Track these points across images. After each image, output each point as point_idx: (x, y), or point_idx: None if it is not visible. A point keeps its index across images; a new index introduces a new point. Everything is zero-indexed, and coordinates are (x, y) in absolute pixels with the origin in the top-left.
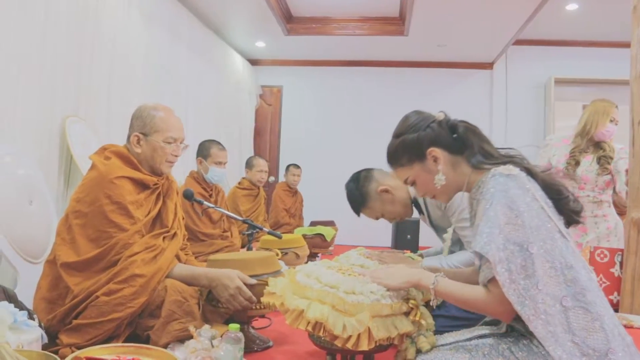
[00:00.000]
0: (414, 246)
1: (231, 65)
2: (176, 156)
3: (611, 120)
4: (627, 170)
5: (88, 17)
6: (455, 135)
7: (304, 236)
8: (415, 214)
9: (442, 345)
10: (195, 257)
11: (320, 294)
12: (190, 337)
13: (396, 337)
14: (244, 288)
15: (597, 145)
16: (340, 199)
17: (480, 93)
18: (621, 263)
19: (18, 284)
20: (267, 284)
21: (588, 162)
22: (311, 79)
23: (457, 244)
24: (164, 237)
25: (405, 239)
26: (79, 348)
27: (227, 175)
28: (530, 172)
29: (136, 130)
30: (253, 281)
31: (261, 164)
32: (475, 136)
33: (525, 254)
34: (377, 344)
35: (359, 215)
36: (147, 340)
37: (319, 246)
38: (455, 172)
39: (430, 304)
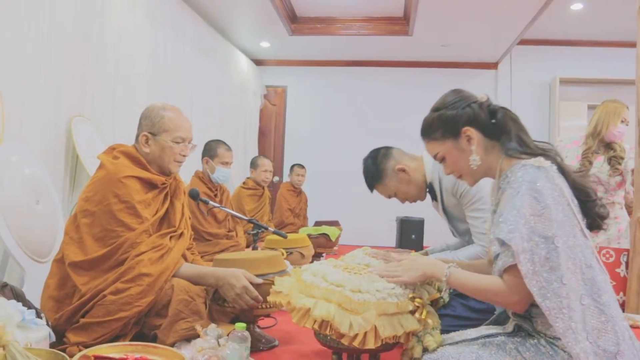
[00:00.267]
0: (418, 246)
1: (236, 65)
2: (184, 156)
3: (622, 121)
4: (632, 170)
5: (93, 17)
6: (493, 121)
7: (309, 236)
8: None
9: (449, 344)
10: (201, 257)
11: (326, 292)
12: (197, 336)
13: (402, 336)
14: (251, 287)
15: (608, 145)
16: (344, 199)
17: (484, 92)
18: (627, 263)
19: (25, 282)
20: (273, 283)
21: (600, 163)
22: (316, 79)
23: (467, 234)
24: (170, 237)
25: (409, 238)
26: (86, 347)
27: (232, 175)
28: (561, 168)
29: (145, 130)
30: (259, 280)
31: (266, 164)
32: (514, 124)
33: (551, 246)
34: (384, 342)
35: (372, 191)
36: (154, 339)
37: (323, 246)
38: (486, 156)
39: (441, 294)
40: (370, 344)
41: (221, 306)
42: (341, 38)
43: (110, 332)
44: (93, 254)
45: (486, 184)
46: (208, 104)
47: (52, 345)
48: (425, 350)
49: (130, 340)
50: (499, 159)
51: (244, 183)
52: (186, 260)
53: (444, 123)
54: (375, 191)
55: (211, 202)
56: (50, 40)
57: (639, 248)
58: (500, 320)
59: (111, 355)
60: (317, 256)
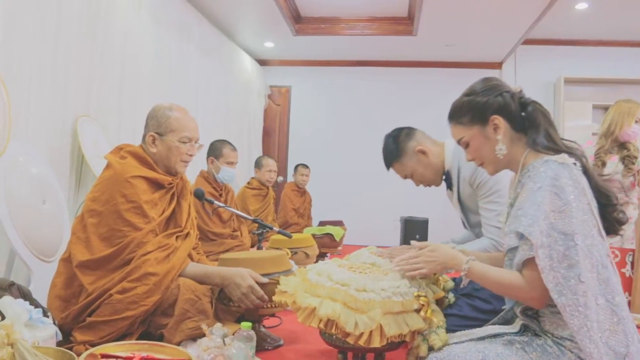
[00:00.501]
0: None
1: (240, 65)
2: (191, 155)
3: (636, 121)
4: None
5: (99, 18)
6: (523, 114)
7: (313, 236)
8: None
9: (455, 343)
10: (206, 257)
11: (331, 291)
12: (203, 335)
13: (407, 334)
14: (256, 287)
15: (622, 145)
16: (348, 198)
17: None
18: (632, 263)
19: (32, 282)
20: (278, 283)
21: (614, 164)
22: (320, 79)
23: (478, 227)
24: (177, 237)
25: (413, 238)
26: (92, 345)
27: (237, 175)
28: (586, 169)
29: (151, 130)
30: (265, 280)
31: (270, 163)
32: (544, 119)
33: (570, 243)
34: (389, 341)
35: (388, 169)
36: (160, 339)
37: (327, 246)
38: (511, 147)
39: (446, 294)
40: (376, 343)
41: (227, 305)
42: (345, 38)
43: (116, 331)
44: (99, 253)
45: (505, 177)
46: (212, 104)
47: (58, 344)
48: (431, 349)
49: (137, 339)
50: (523, 152)
51: (248, 183)
52: (192, 259)
53: (473, 108)
54: (391, 170)
55: (216, 202)
56: (57, 40)
57: None
58: (506, 320)
59: (118, 354)
60: (321, 256)
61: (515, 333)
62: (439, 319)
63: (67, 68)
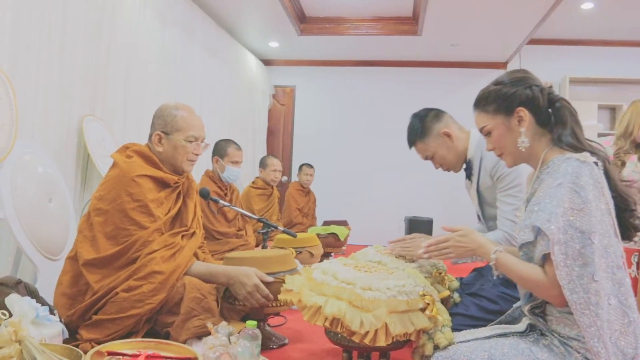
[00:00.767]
0: None
1: (244, 65)
2: (197, 155)
3: None
4: None
5: (104, 18)
6: (550, 110)
7: (318, 235)
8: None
9: (460, 342)
10: (211, 256)
11: (337, 290)
12: (209, 333)
13: (413, 333)
14: (262, 286)
15: (639, 146)
16: (353, 198)
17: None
18: (638, 264)
19: (38, 280)
20: (284, 282)
21: (633, 164)
22: (324, 79)
23: (492, 220)
24: (182, 236)
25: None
26: (98, 343)
27: (241, 175)
28: (606, 170)
29: (158, 129)
30: (270, 279)
31: (275, 163)
32: (571, 117)
33: (587, 241)
34: (394, 339)
35: (410, 147)
36: (166, 337)
37: (332, 245)
38: (533, 141)
39: (451, 294)
40: (381, 342)
41: (231, 304)
42: (350, 38)
43: (122, 329)
44: (106, 252)
45: (525, 173)
46: (217, 104)
47: (65, 342)
48: (436, 347)
49: (142, 337)
50: (544, 148)
51: (253, 182)
52: (198, 258)
53: (500, 98)
54: (413, 149)
55: (221, 201)
56: (63, 41)
57: None
58: (513, 318)
59: (124, 351)
60: (325, 255)
61: (521, 333)
62: (444, 317)
63: (72, 68)
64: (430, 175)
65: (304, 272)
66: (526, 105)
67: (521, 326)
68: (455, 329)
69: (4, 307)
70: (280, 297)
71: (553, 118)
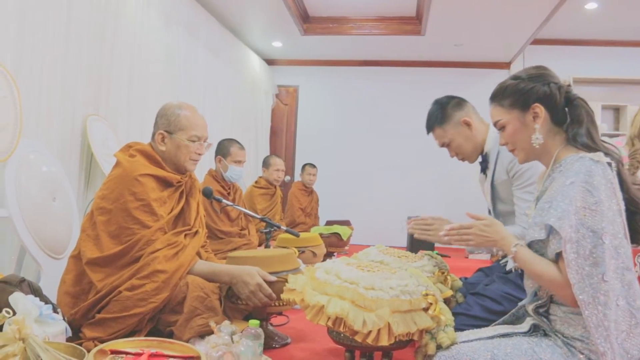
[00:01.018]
0: (429, 246)
1: (248, 64)
2: (200, 154)
3: None
4: None
5: (108, 18)
6: (566, 109)
7: (320, 235)
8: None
9: (463, 342)
10: (214, 255)
11: (340, 289)
12: (211, 332)
13: (415, 333)
14: (264, 285)
15: None
16: (355, 198)
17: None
18: None
19: (41, 278)
20: (286, 281)
21: None
22: (327, 78)
23: (501, 217)
24: (185, 235)
25: (420, 238)
26: (101, 342)
27: (244, 174)
28: (619, 172)
29: (161, 128)
30: (273, 278)
31: (278, 163)
32: (587, 117)
33: (598, 241)
34: (397, 339)
35: (428, 132)
36: (169, 336)
37: (334, 245)
38: (546, 139)
39: (454, 294)
40: (384, 341)
41: (234, 303)
42: (353, 38)
43: (125, 327)
44: (109, 250)
45: (542, 169)
46: (220, 103)
47: (68, 340)
48: (439, 347)
49: (145, 336)
50: (558, 147)
51: (256, 182)
52: (201, 258)
53: (517, 93)
54: (431, 134)
55: (224, 201)
56: (67, 40)
57: None
58: (517, 317)
59: (127, 350)
60: (328, 255)
61: (524, 333)
62: (447, 317)
63: (77, 67)
64: (433, 175)
65: (307, 271)
66: (542, 102)
67: (524, 326)
68: (458, 328)
69: (8, 306)
70: (282, 296)
71: (569, 117)
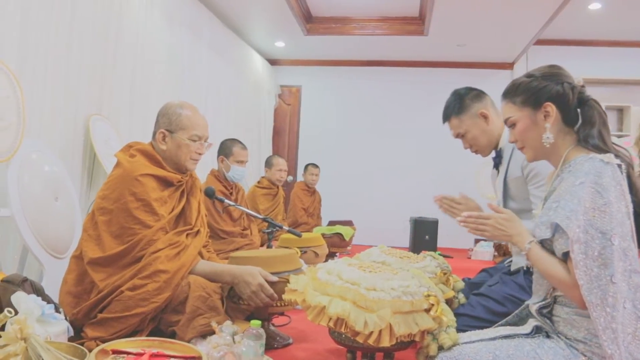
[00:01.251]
0: (432, 247)
1: (251, 65)
2: (200, 154)
3: None
4: None
5: (111, 18)
6: (579, 109)
7: (323, 235)
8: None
9: (465, 343)
10: (216, 255)
11: (341, 290)
12: (213, 332)
13: (417, 334)
14: (266, 285)
15: None
16: (358, 198)
17: (500, 93)
18: None
19: (44, 278)
20: (288, 282)
21: None
22: (330, 78)
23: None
24: (187, 234)
25: (423, 239)
26: (103, 341)
27: (247, 174)
28: (629, 175)
29: (162, 127)
30: (275, 278)
31: (280, 163)
32: (599, 118)
33: (607, 243)
34: (398, 340)
35: (444, 122)
36: (171, 336)
37: (337, 245)
38: (557, 139)
39: (456, 294)
40: (385, 342)
41: (236, 303)
42: (356, 38)
43: (127, 327)
44: (111, 250)
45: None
46: (223, 103)
47: (70, 340)
48: (440, 348)
49: (147, 336)
50: (567, 147)
51: (258, 182)
52: (202, 257)
53: (529, 90)
54: (446, 124)
55: (227, 201)
56: (70, 40)
57: None
58: (520, 318)
59: (129, 350)
60: (330, 255)
61: (527, 335)
62: (448, 318)
63: (79, 67)
64: (435, 175)
65: (309, 271)
66: (554, 101)
67: (527, 328)
68: (460, 329)
69: (10, 305)
70: (284, 296)
71: (581, 118)
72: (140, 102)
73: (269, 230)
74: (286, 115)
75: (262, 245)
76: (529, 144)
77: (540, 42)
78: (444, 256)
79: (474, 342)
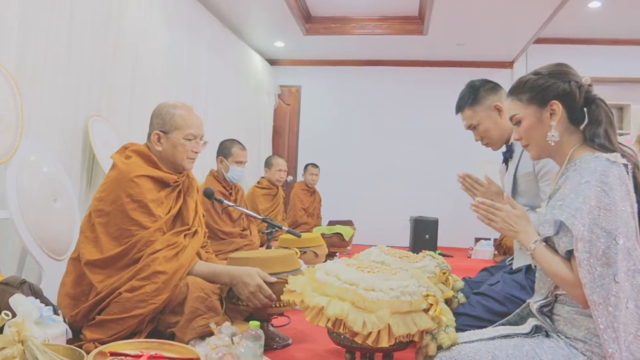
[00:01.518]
0: (432, 246)
1: (250, 65)
2: (196, 152)
3: None
4: None
5: (111, 18)
6: (585, 108)
7: (322, 235)
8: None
9: (464, 342)
10: (215, 255)
11: (340, 291)
12: (212, 333)
13: (416, 334)
14: (264, 286)
15: None
16: (358, 198)
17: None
18: None
19: (42, 279)
20: (287, 282)
21: None
22: (330, 78)
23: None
24: (185, 235)
25: (423, 238)
26: (101, 343)
27: (246, 175)
28: (634, 176)
29: (156, 128)
30: (273, 279)
31: (280, 163)
32: (606, 118)
33: (611, 242)
34: (397, 340)
35: (457, 112)
36: (170, 337)
37: (337, 245)
38: (562, 137)
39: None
40: (384, 343)
41: (235, 304)
42: (355, 37)
43: (125, 329)
44: (108, 252)
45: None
46: (223, 104)
47: (68, 342)
48: (439, 347)
49: (146, 337)
50: (572, 146)
51: (258, 182)
52: (201, 258)
53: (536, 88)
54: (459, 115)
55: (226, 201)
56: (69, 40)
57: None
58: (521, 317)
59: (127, 352)
60: (330, 255)
61: (526, 334)
62: (447, 318)
63: (78, 68)
64: (435, 175)
65: (307, 272)
66: (561, 99)
67: (526, 327)
68: (460, 329)
69: (8, 308)
70: (283, 297)
71: (587, 117)
72: (139, 103)
73: (269, 231)
74: (286, 116)
75: (261, 245)
76: (534, 142)
77: (540, 40)
78: (444, 255)
79: (473, 341)
